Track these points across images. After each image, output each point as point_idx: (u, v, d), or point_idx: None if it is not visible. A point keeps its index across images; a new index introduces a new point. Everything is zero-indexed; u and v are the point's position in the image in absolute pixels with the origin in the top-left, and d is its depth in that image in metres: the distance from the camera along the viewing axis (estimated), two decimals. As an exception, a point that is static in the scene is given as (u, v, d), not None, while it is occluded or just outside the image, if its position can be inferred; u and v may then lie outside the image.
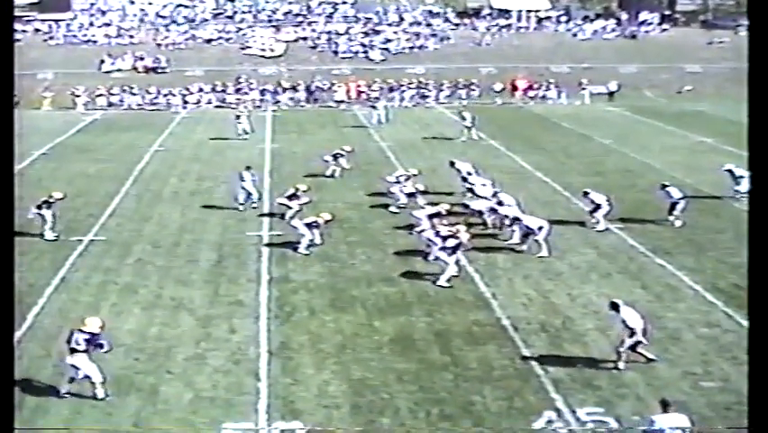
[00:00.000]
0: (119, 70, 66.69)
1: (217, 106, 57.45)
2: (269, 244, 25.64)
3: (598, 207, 26.87)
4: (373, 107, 51.05)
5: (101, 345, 16.08)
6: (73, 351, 15.85)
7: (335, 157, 35.01)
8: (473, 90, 59.43)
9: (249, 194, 29.85)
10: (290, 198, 27.68)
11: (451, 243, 22.46)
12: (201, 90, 58.96)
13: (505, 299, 21.04)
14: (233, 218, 28.65)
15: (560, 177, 34.66)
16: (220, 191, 32.51)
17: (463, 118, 44.74)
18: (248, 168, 30.65)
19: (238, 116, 45.52)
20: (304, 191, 28.17)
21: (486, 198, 27.66)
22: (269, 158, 38.77)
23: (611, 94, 61.06)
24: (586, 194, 27.42)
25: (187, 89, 58.95)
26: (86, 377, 15.84)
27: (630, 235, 26.27)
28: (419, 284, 22.13)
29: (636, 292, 21.39)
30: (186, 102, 57.82)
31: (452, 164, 31.75)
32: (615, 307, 17.29)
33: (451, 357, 17.77)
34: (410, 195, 29.68)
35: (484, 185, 29.07)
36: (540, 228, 24.22)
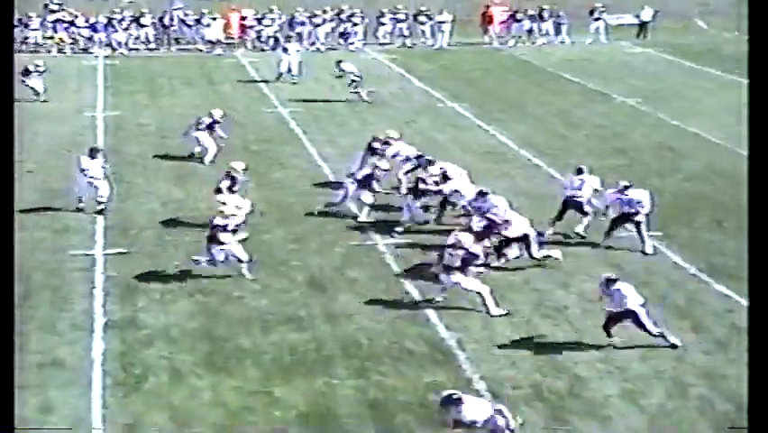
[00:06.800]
0: None
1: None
2: (106, 271, 25.30)
3: (635, 213, 26.23)
4: (284, 50, 50.11)
5: None
6: None
7: (198, 126, 34.55)
8: (422, 24, 59.95)
9: (95, 188, 29.43)
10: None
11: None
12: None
13: (478, 350, 20.89)
14: (47, 228, 28.33)
15: (560, 159, 35.00)
16: (26, 187, 31.67)
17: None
18: (93, 151, 30.39)
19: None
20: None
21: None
22: (103, 133, 38.64)
23: (643, 26, 61.86)
24: (626, 188, 26.26)
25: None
26: None
27: (673, 250, 26.36)
28: (344, 326, 21.98)
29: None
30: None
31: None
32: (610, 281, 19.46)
33: (396, 444, 17.68)
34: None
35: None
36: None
